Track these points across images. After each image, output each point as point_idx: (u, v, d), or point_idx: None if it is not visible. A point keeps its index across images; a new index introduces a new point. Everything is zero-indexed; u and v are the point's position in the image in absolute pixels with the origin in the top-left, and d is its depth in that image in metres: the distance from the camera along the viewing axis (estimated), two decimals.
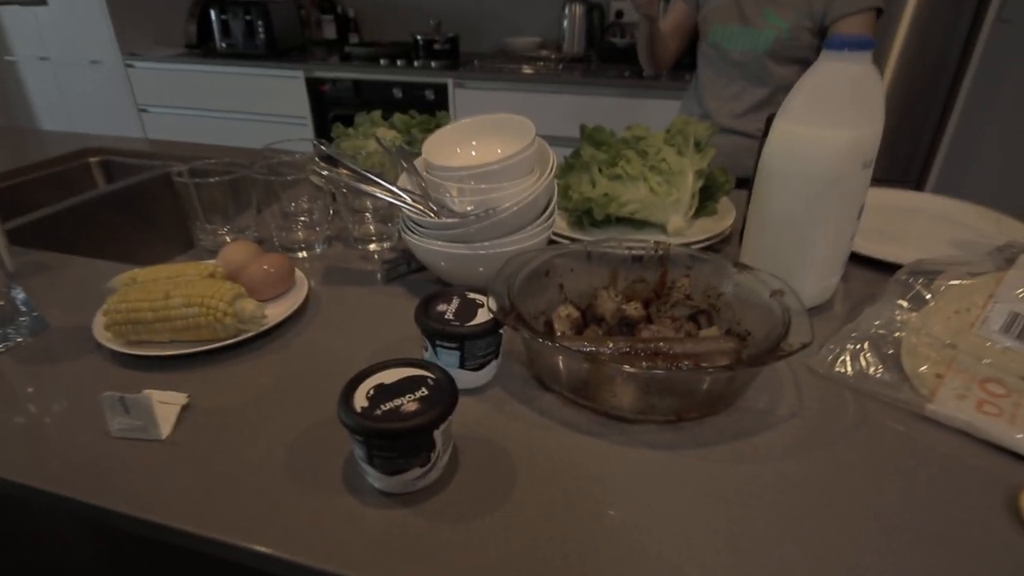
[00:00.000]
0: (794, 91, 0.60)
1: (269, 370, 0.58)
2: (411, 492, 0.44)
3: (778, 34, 1.25)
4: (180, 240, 1.26)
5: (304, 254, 0.82)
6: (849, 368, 0.57)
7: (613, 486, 0.45)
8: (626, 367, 0.48)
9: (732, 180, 0.85)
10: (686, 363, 0.52)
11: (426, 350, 0.54)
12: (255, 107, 2.64)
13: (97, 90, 2.85)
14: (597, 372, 0.50)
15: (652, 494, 0.44)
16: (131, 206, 1.17)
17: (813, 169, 0.58)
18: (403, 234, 0.68)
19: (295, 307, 0.65)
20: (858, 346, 0.59)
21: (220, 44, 2.66)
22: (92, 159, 1.34)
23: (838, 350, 0.59)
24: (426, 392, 0.43)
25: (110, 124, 2.88)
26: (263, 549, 0.40)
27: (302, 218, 0.83)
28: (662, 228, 0.79)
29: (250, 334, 0.60)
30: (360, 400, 0.42)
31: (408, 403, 0.42)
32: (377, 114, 1.05)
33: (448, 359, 0.52)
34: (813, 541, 0.41)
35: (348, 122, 1.03)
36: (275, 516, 0.43)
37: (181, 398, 0.53)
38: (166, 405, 0.52)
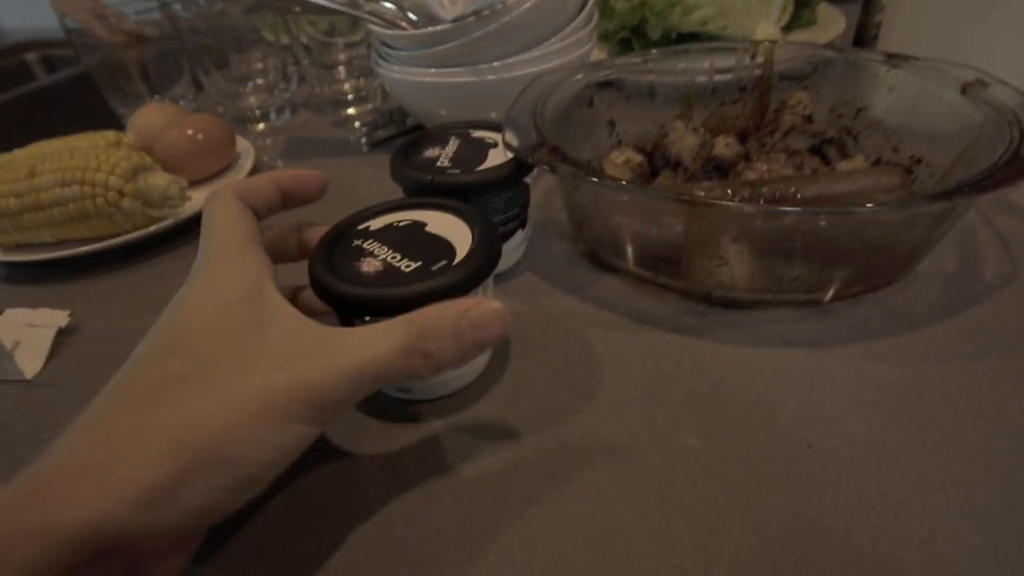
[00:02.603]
0: None
1: None
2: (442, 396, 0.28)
3: None
4: None
5: (261, 125, 0.62)
6: None
7: (731, 416, 0.26)
8: (749, 208, 0.28)
9: None
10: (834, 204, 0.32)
11: None
12: None
13: None
14: (693, 229, 0.31)
15: (803, 422, 0.26)
16: (74, 103, 0.97)
17: None
18: (376, 67, 0.47)
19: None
20: None
21: None
22: (30, 55, 1.13)
23: None
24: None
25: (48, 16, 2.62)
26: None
27: (257, 80, 0.63)
28: (745, 44, 0.56)
29: (166, 224, 0.42)
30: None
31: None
32: None
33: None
34: None
35: None
36: None
37: (57, 318, 0.35)
38: (35, 329, 0.35)
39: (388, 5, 0.46)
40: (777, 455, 0.24)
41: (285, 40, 0.64)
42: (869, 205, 0.26)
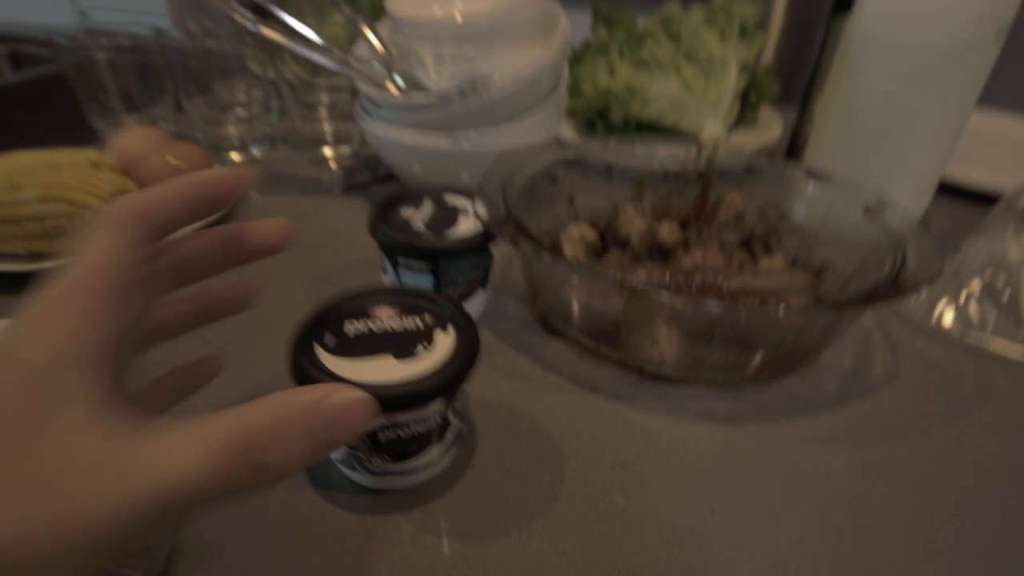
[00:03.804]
0: None
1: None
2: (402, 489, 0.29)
3: None
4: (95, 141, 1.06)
5: (237, 156, 0.64)
6: (955, 318, 0.43)
7: (649, 475, 0.30)
8: (677, 300, 0.33)
9: (777, 85, 0.68)
10: (753, 300, 0.37)
11: (385, 273, 0.38)
12: None
13: None
14: (631, 309, 0.35)
15: (710, 490, 0.30)
16: (41, 101, 0.96)
17: (931, 35, 0.42)
18: (359, 120, 0.50)
19: (213, 217, 0.48)
20: (965, 289, 0.44)
21: None
22: None
23: (937, 294, 0.45)
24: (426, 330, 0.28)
25: (42, 15, 2.56)
26: None
27: (237, 111, 0.65)
28: (693, 138, 0.63)
29: None
30: (327, 357, 0.26)
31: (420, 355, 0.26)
32: None
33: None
34: (945, 557, 0.27)
35: None
36: None
37: None
38: None
39: (377, 66, 0.49)
40: (686, 517, 0.28)
41: (271, 74, 0.66)
42: (780, 304, 0.31)
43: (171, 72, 0.63)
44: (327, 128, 0.66)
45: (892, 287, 0.32)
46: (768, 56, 0.93)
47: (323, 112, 0.66)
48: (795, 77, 0.86)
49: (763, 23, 0.66)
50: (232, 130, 0.64)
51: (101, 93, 0.63)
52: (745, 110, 0.67)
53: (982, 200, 0.58)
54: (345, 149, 0.66)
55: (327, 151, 0.66)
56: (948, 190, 0.60)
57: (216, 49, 0.63)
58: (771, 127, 0.67)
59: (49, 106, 0.97)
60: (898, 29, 0.43)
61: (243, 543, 0.26)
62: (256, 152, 0.65)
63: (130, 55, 0.61)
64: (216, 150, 0.64)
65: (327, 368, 0.25)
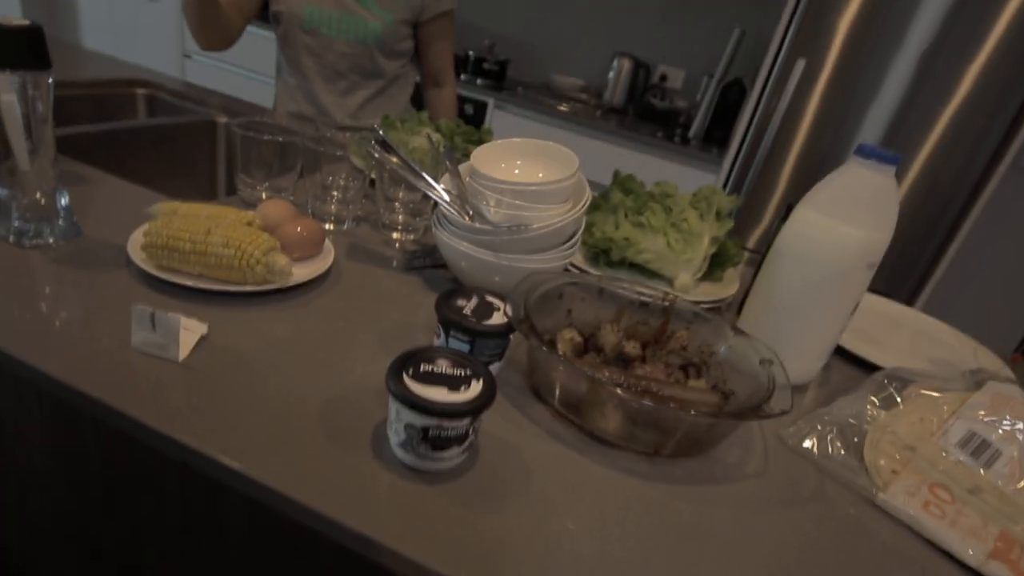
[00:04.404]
0: (823, 182, 0.66)
1: (286, 323, 0.61)
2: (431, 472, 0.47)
3: (384, 25, 1.26)
4: (205, 187, 1.29)
5: (332, 227, 0.86)
6: (816, 446, 0.61)
7: (583, 497, 0.48)
8: (621, 393, 0.52)
9: (741, 255, 0.90)
10: (672, 404, 0.56)
11: (438, 337, 0.58)
12: None
13: (148, 24, 2.89)
14: (592, 393, 0.54)
15: (618, 516, 0.47)
16: (169, 144, 1.20)
17: (824, 258, 0.63)
18: (434, 228, 0.71)
19: (319, 272, 0.68)
20: (828, 429, 0.63)
21: None
22: (140, 90, 1.37)
23: (808, 428, 0.63)
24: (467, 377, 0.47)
25: (152, 62, 2.92)
26: (270, 483, 0.43)
27: (336, 193, 0.87)
28: (670, 282, 0.84)
29: (273, 286, 0.64)
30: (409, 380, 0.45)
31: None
32: (425, 114, 1.10)
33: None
34: None
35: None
36: (286, 454, 0.45)
37: (202, 327, 0.56)
38: (188, 331, 0.55)
39: (455, 197, 0.71)
40: (598, 528, 0.46)
41: (370, 172, 0.89)
42: (691, 412, 0.50)
43: (302, 155, 0.86)
44: (400, 218, 0.88)
45: (752, 412, 0.51)
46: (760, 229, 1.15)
47: (398, 207, 0.88)
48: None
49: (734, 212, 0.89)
50: (332, 208, 0.86)
51: (251, 164, 0.85)
52: (714, 268, 0.88)
53: (874, 370, 0.77)
54: (411, 237, 0.88)
55: (396, 235, 0.88)
56: (851, 357, 0.80)
57: (335, 143, 0.85)
58: (731, 285, 0.88)
59: (174, 149, 1.21)
60: (803, 249, 0.65)
61: (319, 472, 0.44)
62: (346, 226, 0.87)
63: (278, 135, 0.84)
64: (319, 219, 0.85)
65: (408, 387, 0.44)
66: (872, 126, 1.92)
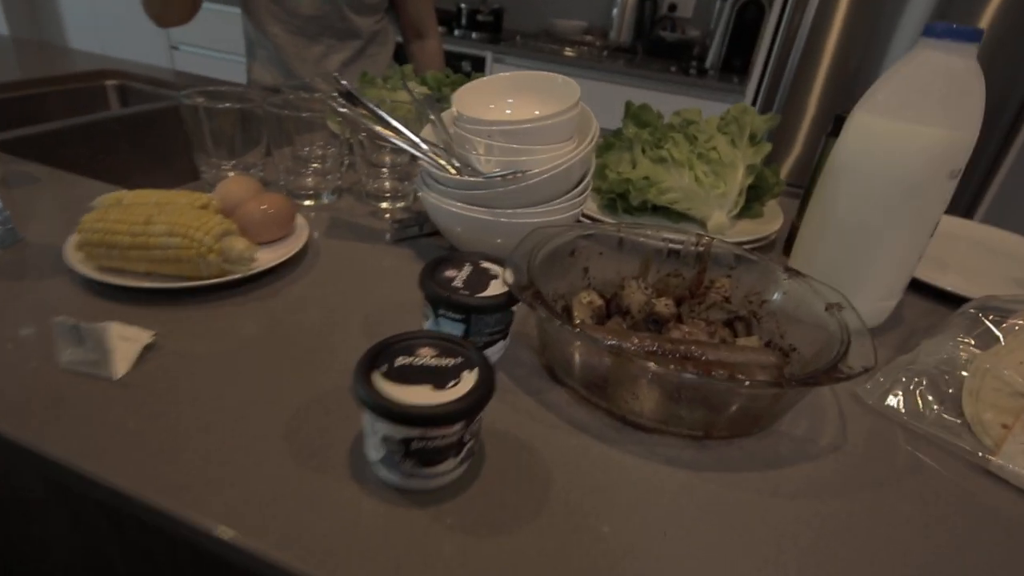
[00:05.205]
0: (882, 80, 0.53)
1: (251, 319, 0.52)
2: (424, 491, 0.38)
3: None
4: (186, 175, 1.20)
5: (311, 202, 0.76)
6: (902, 404, 0.50)
7: (620, 503, 0.38)
8: (654, 366, 0.41)
9: (783, 183, 0.77)
10: (720, 371, 0.45)
11: (427, 319, 0.48)
12: None
13: (132, 18, 2.78)
14: (619, 369, 0.44)
15: (666, 519, 0.37)
16: (140, 134, 1.11)
17: (894, 171, 0.51)
18: (419, 190, 0.61)
19: (289, 255, 0.59)
20: (915, 380, 0.51)
21: None
22: (109, 82, 1.28)
23: (890, 382, 0.52)
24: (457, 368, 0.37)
25: (139, 55, 2.83)
26: (221, 532, 0.34)
27: (314, 164, 0.77)
28: (702, 224, 0.72)
29: (235, 277, 0.54)
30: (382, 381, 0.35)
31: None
32: (409, 68, 0.99)
33: (451, 332, 0.46)
34: None
35: None
36: (240, 487, 0.36)
37: (144, 336, 0.47)
38: (127, 341, 0.46)
39: (438, 149, 0.60)
40: (642, 536, 0.36)
41: (347, 134, 0.78)
42: (742, 378, 0.40)
43: (267, 125, 0.75)
44: (387, 185, 0.77)
45: (828, 376, 0.40)
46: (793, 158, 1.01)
47: (385, 172, 0.77)
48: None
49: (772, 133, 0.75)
50: (309, 181, 0.75)
51: (207, 139, 0.76)
52: (751, 203, 0.76)
53: (956, 302, 0.65)
54: (400, 204, 0.77)
55: (384, 205, 0.77)
56: (925, 288, 0.68)
57: (303, 107, 0.75)
58: (773, 220, 0.75)
59: (149, 140, 1.12)
60: (866, 162, 0.52)
61: (283, 513, 0.35)
62: (326, 200, 0.77)
63: (235, 103, 0.73)
64: (295, 196, 0.75)
65: (380, 390, 0.34)
66: (907, 30, 1.72)
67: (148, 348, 0.47)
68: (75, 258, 0.54)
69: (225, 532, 0.33)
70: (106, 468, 0.36)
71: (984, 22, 1.66)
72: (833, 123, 0.64)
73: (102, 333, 0.43)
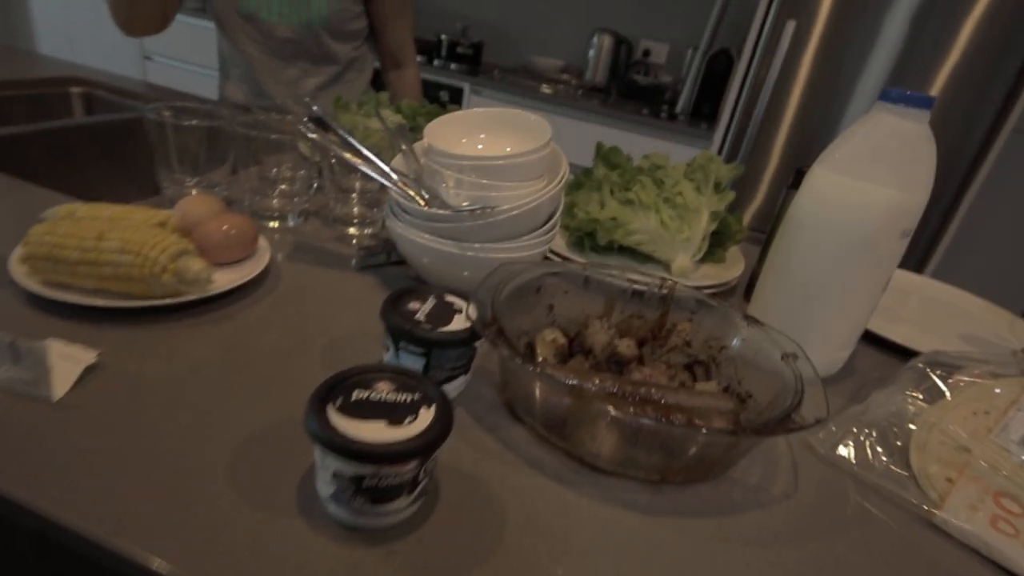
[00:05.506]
0: (841, 138, 0.55)
1: (204, 342, 0.50)
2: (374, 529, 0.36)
3: (330, 5, 1.14)
4: (149, 189, 1.17)
5: (275, 224, 0.75)
6: (853, 454, 0.51)
7: (575, 545, 0.38)
8: (613, 409, 0.41)
9: (745, 230, 0.80)
10: (678, 416, 0.45)
11: (387, 350, 0.47)
12: None
13: (104, 26, 2.74)
14: (578, 409, 0.43)
15: (620, 563, 0.37)
16: (104, 144, 1.08)
17: (849, 227, 0.53)
18: (387, 219, 0.60)
19: (249, 277, 0.57)
20: (865, 431, 0.53)
21: None
22: (74, 89, 1.25)
23: (842, 432, 0.53)
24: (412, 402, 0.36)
25: (111, 64, 2.78)
26: (157, 567, 0.32)
27: (281, 186, 0.76)
28: (665, 266, 0.73)
29: (190, 298, 0.53)
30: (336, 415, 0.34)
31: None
32: (385, 95, 0.99)
33: (411, 366, 0.45)
34: None
35: None
36: (181, 523, 0.34)
37: (88, 355, 0.45)
38: (68, 361, 0.44)
39: (409, 179, 0.60)
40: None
41: (316, 157, 0.78)
42: (699, 424, 0.40)
43: (235, 144, 0.74)
44: (356, 211, 0.76)
45: (781, 427, 0.41)
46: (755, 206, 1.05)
47: (354, 197, 0.76)
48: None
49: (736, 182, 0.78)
50: (275, 202, 0.74)
51: (172, 155, 0.74)
52: (715, 248, 0.77)
53: (906, 354, 0.67)
54: (368, 231, 0.76)
55: (352, 230, 0.76)
56: (877, 340, 0.70)
57: (273, 127, 0.74)
58: (735, 266, 0.77)
59: (113, 151, 1.09)
60: (823, 217, 0.54)
61: (226, 547, 0.33)
62: (291, 222, 0.75)
63: (203, 120, 0.72)
64: (259, 218, 0.74)
65: (333, 424, 0.33)
66: (867, 88, 1.81)
67: (91, 369, 0.45)
68: (19, 271, 0.51)
69: (162, 567, 0.32)
70: (36, 495, 0.34)
71: (936, 87, 1.77)
72: (794, 176, 0.66)
73: (41, 351, 0.41)
